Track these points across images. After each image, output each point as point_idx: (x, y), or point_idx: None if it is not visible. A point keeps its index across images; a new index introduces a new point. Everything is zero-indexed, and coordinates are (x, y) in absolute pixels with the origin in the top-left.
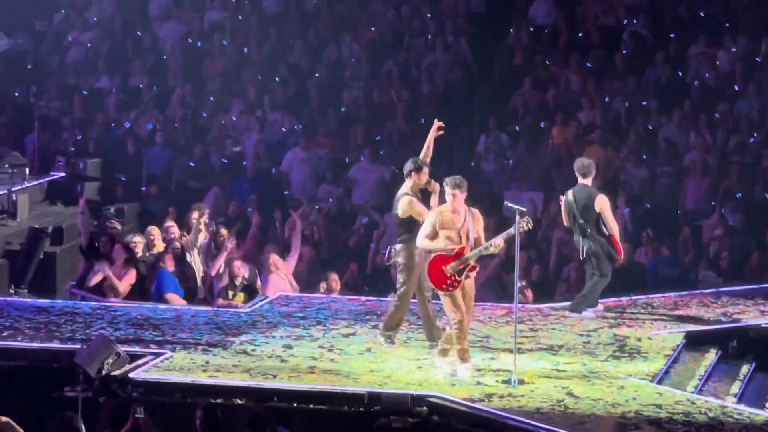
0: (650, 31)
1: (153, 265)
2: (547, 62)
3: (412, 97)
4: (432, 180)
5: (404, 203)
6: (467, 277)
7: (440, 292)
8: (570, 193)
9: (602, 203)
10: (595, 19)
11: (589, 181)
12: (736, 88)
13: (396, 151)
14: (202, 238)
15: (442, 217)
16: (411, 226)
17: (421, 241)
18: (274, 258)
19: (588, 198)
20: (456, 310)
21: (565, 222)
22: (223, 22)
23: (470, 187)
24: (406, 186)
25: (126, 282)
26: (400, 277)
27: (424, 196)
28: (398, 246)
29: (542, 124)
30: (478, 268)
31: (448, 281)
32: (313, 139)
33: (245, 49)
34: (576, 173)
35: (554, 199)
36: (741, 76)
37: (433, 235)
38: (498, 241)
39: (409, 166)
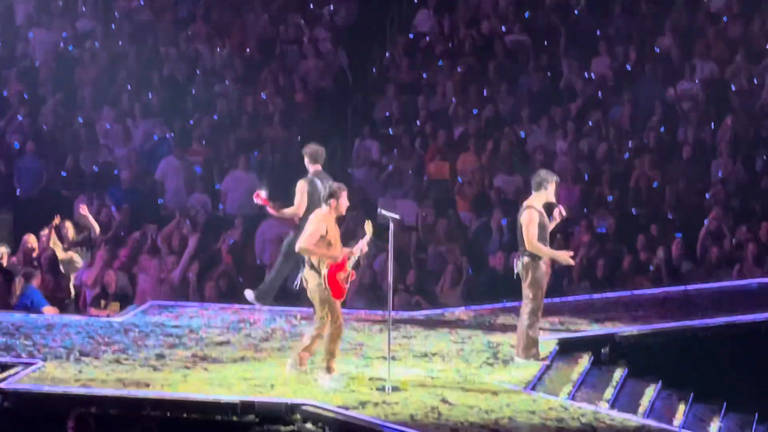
0: (524, 39)
1: (25, 277)
2: (422, 70)
3: (286, 104)
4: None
5: (525, 215)
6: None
7: (337, 302)
8: None
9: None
10: (469, 27)
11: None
12: (602, 95)
13: (271, 159)
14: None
15: (328, 224)
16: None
17: (307, 244)
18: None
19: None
20: (338, 318)
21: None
22: (94, 29)
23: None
24: (531, 199)
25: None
26: (528, 293)
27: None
28: (525, 258)
29: (415, 132)
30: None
31: (343, 290)
32: (187, 148)
33: (117, 57)
34: None
35: (428, 207)
36: (613, 84)
37: (318, 241)
38: (361, 247)
39: (536, 179)
